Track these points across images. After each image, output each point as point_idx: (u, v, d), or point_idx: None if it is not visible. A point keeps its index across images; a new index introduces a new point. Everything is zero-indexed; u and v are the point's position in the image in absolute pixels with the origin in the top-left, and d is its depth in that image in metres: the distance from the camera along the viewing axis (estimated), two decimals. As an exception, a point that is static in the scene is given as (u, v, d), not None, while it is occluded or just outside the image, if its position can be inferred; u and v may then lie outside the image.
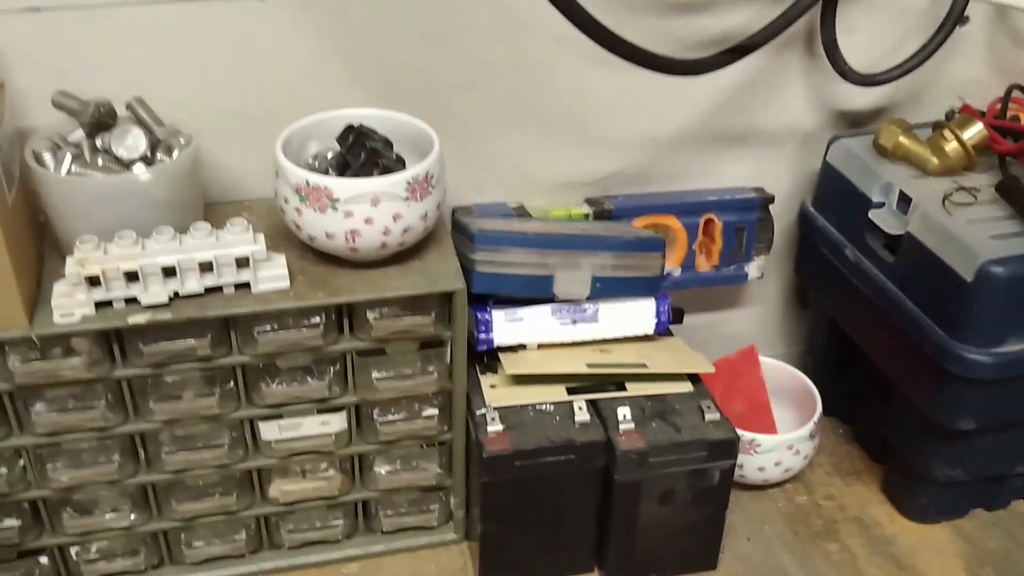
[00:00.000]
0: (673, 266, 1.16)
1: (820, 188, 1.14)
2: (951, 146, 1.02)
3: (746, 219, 1.16)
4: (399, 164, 0.90)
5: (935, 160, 1.02)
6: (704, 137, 1.15)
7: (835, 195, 1.11)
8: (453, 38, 1.01)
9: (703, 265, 1.18)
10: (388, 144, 0.93)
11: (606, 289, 1.00)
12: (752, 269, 1.19)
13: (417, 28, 0.99)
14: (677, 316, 1.08)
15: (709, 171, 1.17)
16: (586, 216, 1.12)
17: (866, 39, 1.12)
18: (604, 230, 1.03)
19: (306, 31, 0.96)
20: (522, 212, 1.10)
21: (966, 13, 1.13)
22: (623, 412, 0.96)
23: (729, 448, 0.95)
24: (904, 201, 1.01)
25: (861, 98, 1.17)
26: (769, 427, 1.17)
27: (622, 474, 0.94)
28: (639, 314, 1.02)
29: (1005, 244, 0.91)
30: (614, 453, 0.93)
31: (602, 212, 1.12)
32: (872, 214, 1.03)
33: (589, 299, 1.00)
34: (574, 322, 1.00)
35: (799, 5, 1.01)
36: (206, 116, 0.96)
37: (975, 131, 1.02)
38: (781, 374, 1.20)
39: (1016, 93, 1.10)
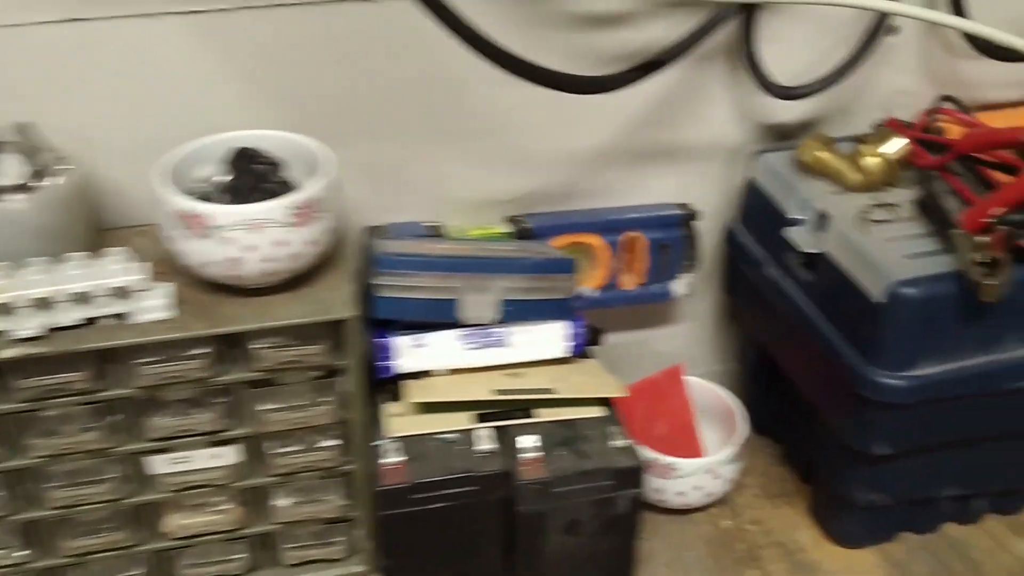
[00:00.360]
0: (594, 286, 1.13)
1: (743, 204, 1.11)
2: (871, 161, 0.99)
3: (671, 236, 1.13)
4: (286, 188, 0.87)
5: (855, 176, 0.99)
6: (627, 153, 1.12)
7: (757, 212, 1.08)
8: (361, 56, 0.98)
9: (628, 283, 1.15)
10: (277, 167, 0.90)
11: (516, 312, 0.97)
12: (679, 287, 1.16)
13: (323, 47, 0.96)
14: (595, 337, 1.05)
15: (633, 187, 1.14)
16: (505, 235, 1.09)
17: (792, 50, 1.09)
18: (513, 251, 1.00)
19: (207, 51, 0.93)
20: (437, 231, 1.07)
21: (895, 23, 1.10)
22: (529, 440, 0.93)
23: (635, 476, 0.92)
24: (822, 219, 0.98)
25: (788, 111, 1.14)
26: (695, 449, 1.14)
27: (525, 505, 0.91)
28: (551, 337, 0.99)
29: (919, 264, 0.89)
30: (517, 483, 0.90)
31: (522, 231, 1.09)
32: (787, 232, 1.00)
33: (498, 323, 0.97)
34: (483, 347, 0.97)
35: (711, 20, 0.98)
36: (103, 140, 0.93)
37: (897, 145, 0.99)
38: (709, 394, 1.17)
39: (946, 104, 1.08)
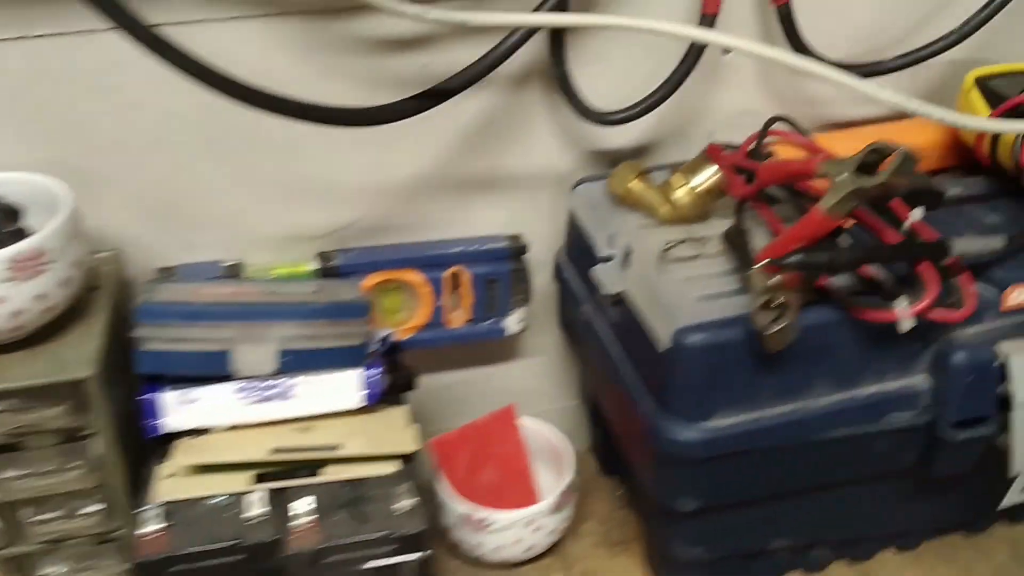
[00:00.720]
0: (416, 325, 1.06)
1: (567, 237, 1.04)
2: (679, 193, 0.92)
3: (499, 270, 1.07)
4: (20, 237, 0.80)
5: (665, 208, 0.93)
6: (448, 182, 1.05)
7: (576, 245, 1.01)
8: (129, 89, 0.91)
9: (455, 321, 1.08)
10: (16, 213, 0.83)
11: (299, 362, 0.90)
12: (510, 323, 1.09)
13: (83, 79, 0.89)
14: (407, 382, 0.98)
15: (457, 219, 1.07)
16: (312, 273, 1.02)
17: (615, 71, 1.02)
18: (301, 295, 0.93)
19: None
20: (236, 271, 1.01)
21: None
22: (304, 504, 0.86)
23: (420, 540, 0.85)
24: (628, 255, 0.91)
25: (620, 136, 1.07)
26: (529, 497, 1.07)
27: None
28: (341, 387, 0.92)
29: (712, 306, 0.82)
30: (286, 553, 0.83)
31: (330, 268, 1.02)
32: (594, 269, 0.93)
33: (278, 374, 0.90)
34: (263, 400, 0.91)
35: (504, 45, 0.91)
36: None
37: (706, 175, 0.92)
38: (546, 436, 1.10)
39: (779, 125, 1.01)
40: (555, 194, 1.08)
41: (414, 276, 1.04)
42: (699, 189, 0.91)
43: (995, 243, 0.80)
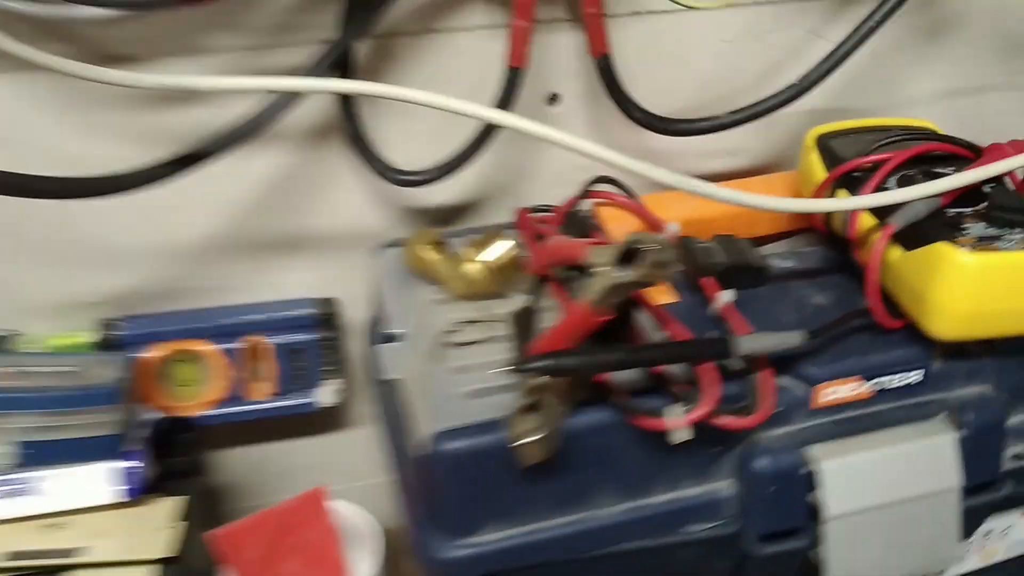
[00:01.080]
0: (212, 400, 0.97)
1: (376, 304, 0.95)
2: (470, 266, 0.82)
3: (305, 338, 0.97)
4: None
5: (456, 283, 0.83)
6: (246, 243, 0.96)
7: (378, 315, 0.91)
8: None
9: (257, 394, 0.98)
10: None
11: (43, 455, 0.81)
12: (323, 395, 1.00)
13: None
14: (186, 469, 0.88)
15: (259, 283, 0.98)
16: (90, 345, 0.92)
17: (428, 126, 0.93)
18: (49, 378, 0.83)
19: None
20: (3, 344, 0.91)
21: (556, 92, 0.94)
22: (34, 619, 0.76)
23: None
24: (414, 336, 0.81)
25: (438, 194, 0.98)
26: (337, 587, 0.97)
27: None
28: (92, 482, 0.82)
29: (481, 404, 0.72)
30: None
31: (111, 338, 0.93)
32: (377, 348, 0.83)
33: (21, 467, 0.80)
34: (8, 496, 0.81)
35: (274, 106, 0.81)
36: None
37: (502, 247, 0.83)
38: (360, 518, 1.01)
39: (602, 186, 0.92)
40: (370, 256, 0.98)
41: (206, 347, 0.95)
42: (492, 263, 0.81)
43: (791, 339, 0.70)
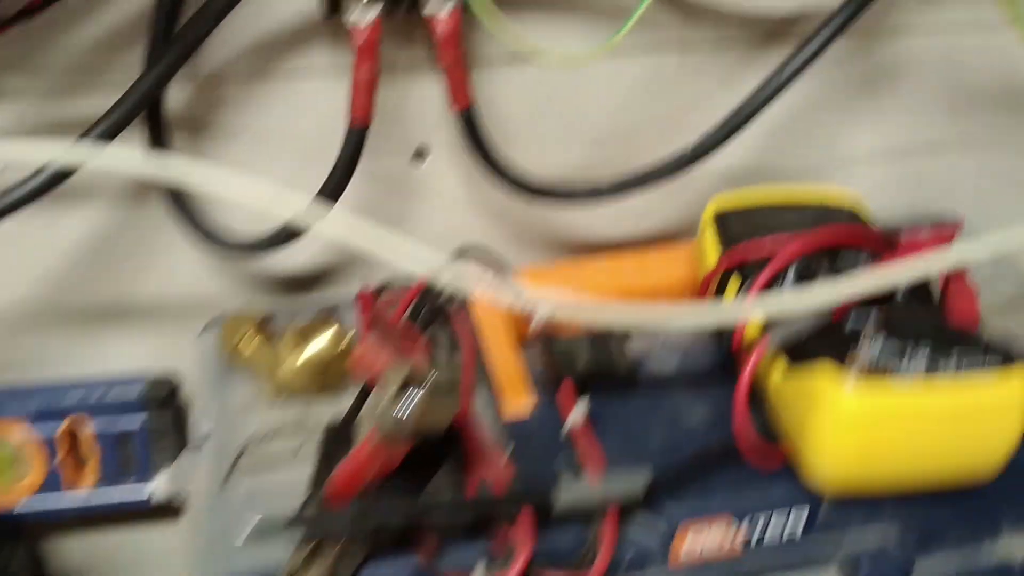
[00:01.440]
0: (26, 491, 0.84)
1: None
2: (289, 361, 0.70)
3: (133, 420, 0.85)
4: None
5: (272, 380, 0.70)
6: (64, 312, 0.84)
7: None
8: None
9: (80, 484, 0.86)
10: None
11: None
12: (158, 486, 0.87)
13: None
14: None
15: (82, 356, 0.86)
16: None
17: (279, 176, 0.79)
18: None
19: None
20: None
21: (423, 147, 0.82)
22: None
23: None
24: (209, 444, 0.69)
25: (288, 260, 0.85)
26: None
27: None
28: None
29: (263, 549, 0.59)
30: None
31: (-98, 420, 0.80)
32: (193, 458, 0.71)
33: None
34: None
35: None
36: None
37: (324, 340, 0.70)
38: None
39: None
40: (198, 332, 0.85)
41: (15, 430, 0.82)
42: (311, 359, 0.69)
43: (635, 483, 0.57)
